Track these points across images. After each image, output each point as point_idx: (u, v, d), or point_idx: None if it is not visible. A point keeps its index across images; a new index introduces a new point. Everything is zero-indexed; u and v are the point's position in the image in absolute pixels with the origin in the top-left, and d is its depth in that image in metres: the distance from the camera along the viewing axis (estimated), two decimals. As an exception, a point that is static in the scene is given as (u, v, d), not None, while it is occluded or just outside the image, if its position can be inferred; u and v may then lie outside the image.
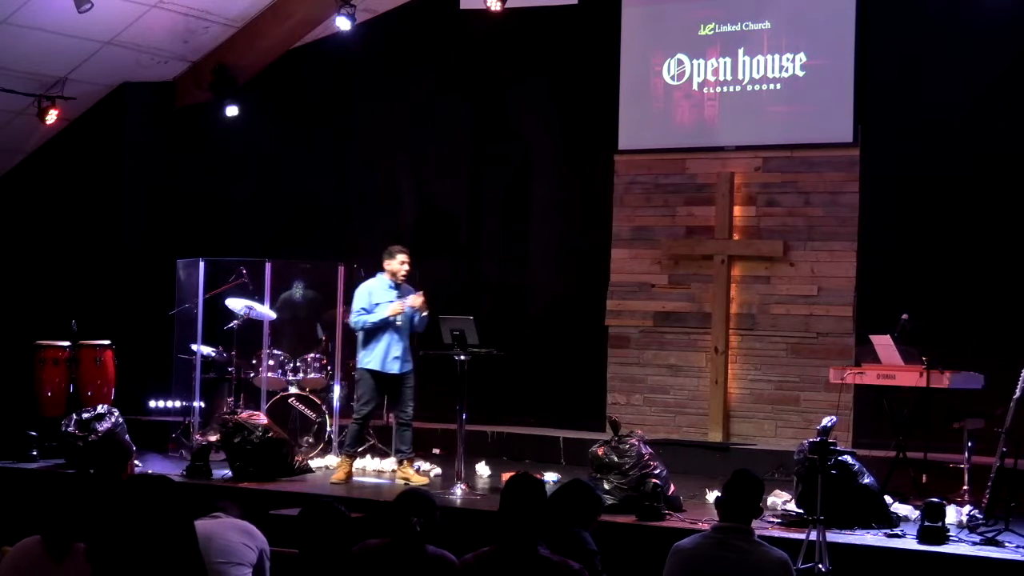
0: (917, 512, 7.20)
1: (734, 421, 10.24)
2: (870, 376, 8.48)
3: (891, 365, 8.38)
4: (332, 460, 9.70)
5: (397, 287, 8.98)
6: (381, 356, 8.87)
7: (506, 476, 5.04)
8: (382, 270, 9.05)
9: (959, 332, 9.32)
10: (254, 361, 10.31)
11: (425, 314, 8.93)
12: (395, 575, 4.44)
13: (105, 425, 9.26)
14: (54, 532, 4.31)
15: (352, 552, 4.51)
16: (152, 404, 11.38)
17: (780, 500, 7.86)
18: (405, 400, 8.96)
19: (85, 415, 9.37)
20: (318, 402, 10.02)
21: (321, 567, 4.44)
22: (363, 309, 8.90)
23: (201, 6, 11.18)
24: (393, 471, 9.30)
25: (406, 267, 9.00)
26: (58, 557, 4.25)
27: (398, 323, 8.89)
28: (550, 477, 8.82)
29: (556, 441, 10.37)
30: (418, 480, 8.84)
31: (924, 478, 8.10)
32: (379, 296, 8.92)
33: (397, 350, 8.90)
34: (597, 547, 4.99)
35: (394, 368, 8.90)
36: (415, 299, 8.86)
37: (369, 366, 8.89)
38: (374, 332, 8.89)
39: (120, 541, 2.75)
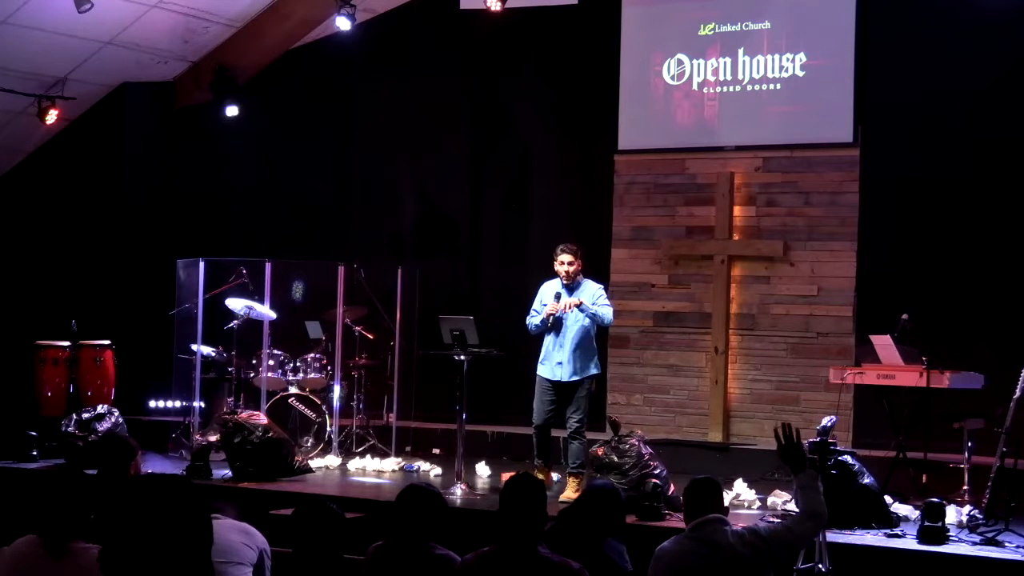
0: (917, 512, 7.19)
1: (734, 421, 10.24)
2: (870, 376, 8.48)
3: (891, 365, 8.37)
4: (332, 460, 9.70)
5: (569, 287, 8.51)
6: (547, 361, 8.52)
7: (506, 476, 5.03)
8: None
9: (959, 332, 9.32)
10: (254, 361, 10.30)
11: (578, 309, 8.33)
12: (401, 574, 4.44)
13: (105, 425, 9.30)
14: (52, 530, 4.30)
15: (368, 553, 4.51)
16: (152, 404, 11.37)
17: (780, 500, 7.86)
18: (571, 409, 8.39)
19: (85, 415, 9.39)
20: (318, 402, 10.01)
21: (314, 566, 4.44)
22: (534, 311, 8.61)
23: (201, 6, 11.18)
24: (393, 471, 9.27)
25: (564, 267, 8.47)
26: (56, 555, 4.23)
27: (566, 323, 8.43)
28: (554, 476, 8.81)
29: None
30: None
31: (924, 478, 8.10)
32: (547, 298, 8.58)
33: (560, 355, 8.40)
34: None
35: (558, 375, 8.40)
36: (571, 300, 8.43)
37: (538, 371, 8.57)
38: (542, 336, 8.56)
39: (138, 544, 2.72)
